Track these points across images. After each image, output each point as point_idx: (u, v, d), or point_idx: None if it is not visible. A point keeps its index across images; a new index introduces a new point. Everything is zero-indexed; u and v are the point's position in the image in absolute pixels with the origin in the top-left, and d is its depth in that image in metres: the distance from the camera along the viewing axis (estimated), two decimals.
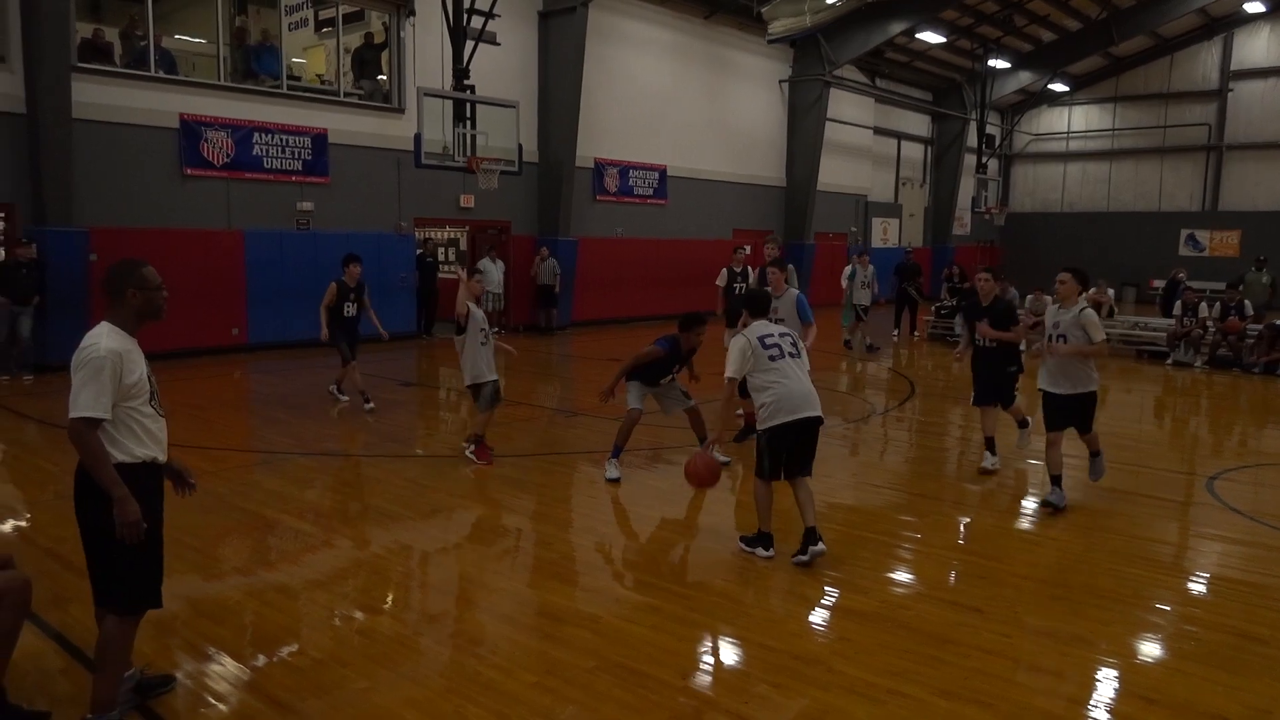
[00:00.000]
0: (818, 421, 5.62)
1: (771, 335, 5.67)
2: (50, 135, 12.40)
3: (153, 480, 3.60)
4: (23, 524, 6.18)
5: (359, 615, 4.90)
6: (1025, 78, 30.83)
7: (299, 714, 3.82)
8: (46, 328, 12.16)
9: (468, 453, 8.04)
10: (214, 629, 4.64)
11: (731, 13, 22.09)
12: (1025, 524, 6.94)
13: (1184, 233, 31.09)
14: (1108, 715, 3.94)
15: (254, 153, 14.77)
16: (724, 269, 12.12)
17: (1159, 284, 29.35)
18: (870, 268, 17.24)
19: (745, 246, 13.58)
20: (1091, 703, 4.03)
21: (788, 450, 5.57)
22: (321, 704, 3.90)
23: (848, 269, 18.19)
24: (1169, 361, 15.57)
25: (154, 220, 13.72)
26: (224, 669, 4.21)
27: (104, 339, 3.45)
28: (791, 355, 5.63)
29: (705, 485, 6.36)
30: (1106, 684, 4.21)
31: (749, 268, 12.16)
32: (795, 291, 8.60)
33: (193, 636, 4.53)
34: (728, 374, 5.67)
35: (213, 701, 3.93)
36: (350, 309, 10.37)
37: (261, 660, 4.33)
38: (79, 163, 12.79)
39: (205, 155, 14.23)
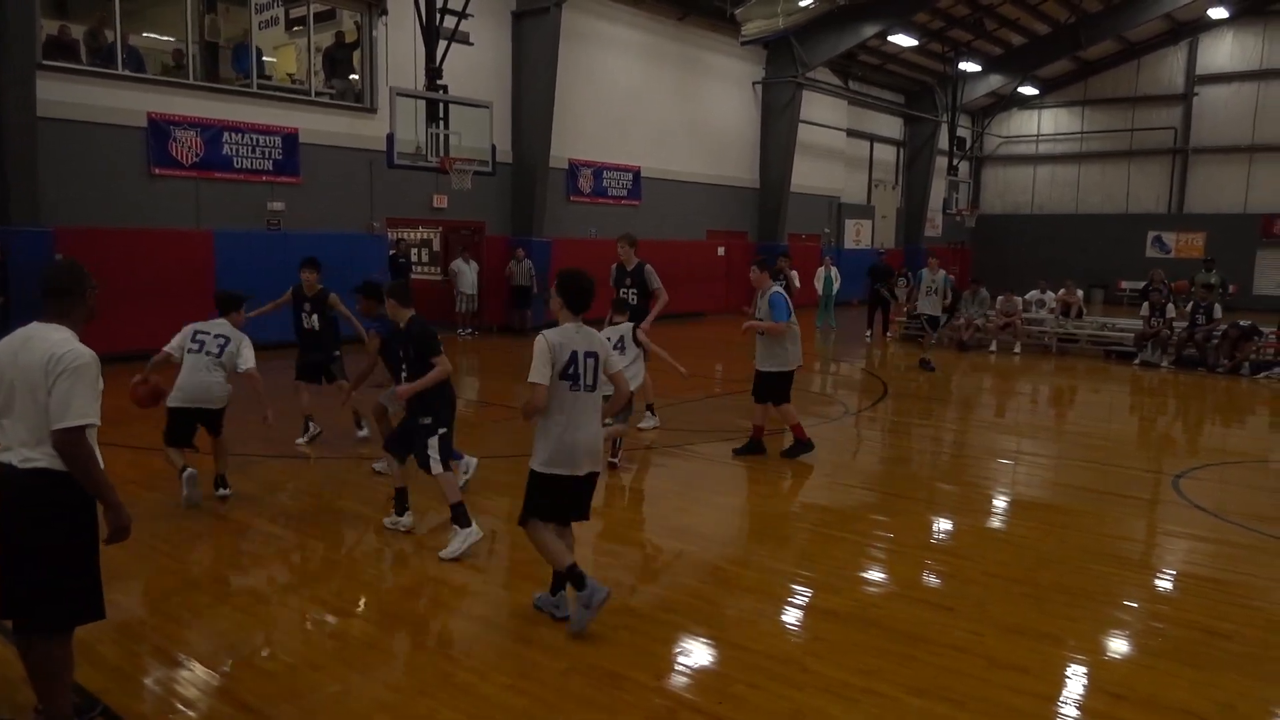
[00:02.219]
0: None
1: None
2: (14, 134, 12.18)
3: None
4: None
5: (331, 619, 4.86)
6: (995, 81, 31.16)
7: (270, 719, 3.78)
8: (10, 329, 11.90)
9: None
10: (183, 634, 4.59)
11: (705, 14, 22.15)
12: (996, 523, 7.02)
13: (1151, 234, 31.57)
14: (1077, 711, 3.99)
15: (224, 152, 14.61)
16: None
17: (1127, 285, 29.87)
18: (940, 272, 14.99)
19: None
20: (1061, 699, 4.08)
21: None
22: (293, 709, 3.86)
23: (820, 270, 18.38)
24: (1136, 362, 15.79)
25: (121, 220, 13.54)
26: (193, 674, 4.16)
27: (78, 343, 3.34)
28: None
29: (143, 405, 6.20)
30: (1075, 680, 4.26)
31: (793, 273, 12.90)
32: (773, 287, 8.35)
33: (162, 642, 4.47)
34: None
35: (181, 708, 3.88)
36: (308, 321, 9.07)
37: (231, 665, 4.28)
38: (44, 162, 12.58)
39: (174, 155, 14.06)
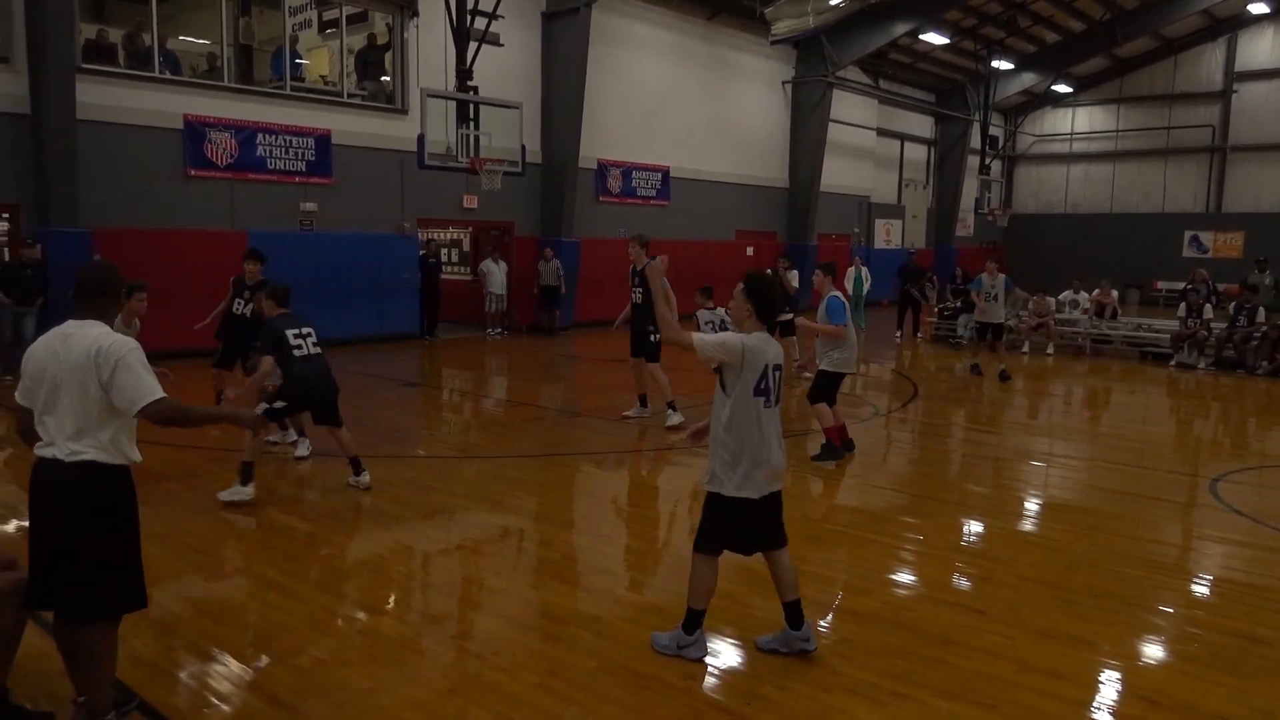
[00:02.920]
0: None
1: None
2: (54, 136, 12.42)
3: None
4: (26, 524, 6.18)
5: (361, 616, 4.91)
6: (1029, 79, 30.81)
7: (301, 714, 3.82)
8: (49, 328, 12.16)
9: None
10: (216, 629, 4.65)
11: (734, 14, 22.09)
12: (1028, 526, 6.94)
13: (1188, 234, 31.05)
14: (1111, 717, 3.94)
15: (258, 153, 14.79)
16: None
17: (1163, 285, 29.42)
18: (1000, 276, 13.79)
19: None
20: (1094, 705, 4.03)
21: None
22: (324, 704, 3.90)
23: (850, 270, 18.27)
24: (1173, 363, 15.55)
25: (158, 221, 13.75)
26: (226, 669, 4.22)
27: (116, 334, 3.46)
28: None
29: None
30: (1109, 686, 4.20)
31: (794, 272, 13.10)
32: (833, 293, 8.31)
33: (195, 637, 4.53)
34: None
35: (215, 702, 3.93)
36: (242, 308, 9.10)
37: (264, 660, 4.33)
38: (83, 163, 12.81)
39: (209, 156, 14.26)
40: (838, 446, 8.24)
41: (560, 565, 5.81)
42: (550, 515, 7.01)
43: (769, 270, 13.51)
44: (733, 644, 4.57)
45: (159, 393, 3.40)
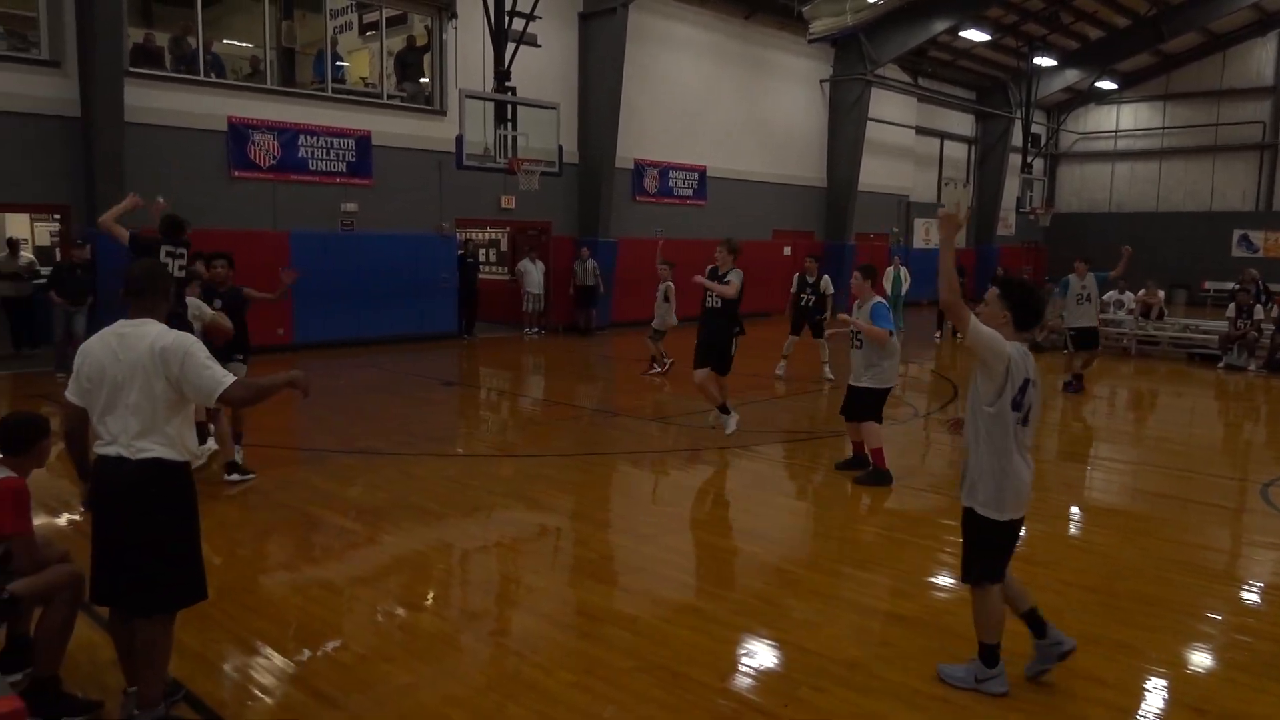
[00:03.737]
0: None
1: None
2: (103, 138, 12.70)
3: None
4: (78, 518, 6.33)
5: (401, 611, 4.96)
6: (1072, 76, 30.30)
7: (343, 708, 3.87)
8: (99, 327, 12.39)
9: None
10: (259, 623, 4.72)
11: (772, 12, 21.99)
12: (1072, 530, 6.83)
13: (1237, 233, 30.37)
14: None
15: (299, 155, 15.00)
16: (796, 275, 13.27)
17: (1211, 285, 28.80)
18: (1089, 276, 12.77)
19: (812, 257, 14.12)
20: (1140, 712, 3.95)
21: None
22: (365, 699, 3.95)
23: (889, 270, 18.11)
24: (1221, 365, 15.22)
25: (202, 221, 13.91)
26: (269, 662, 4.28)
27: (172, 330, 3.55)
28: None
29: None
30: (1155, 693, 4.13)
31: (825, 278, 13.12)
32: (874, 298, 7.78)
33: (239, 630, 4.61)
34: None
35: (259, 694, 4.00)
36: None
37: (306, 654, 4.39)
38: (130, 165, 13.07)
39: (252, 157, 14.48)
40: (884, 470, 7.58)
41: (597, 564, 5.83)
42: (587, 514, 7.03)
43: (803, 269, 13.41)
44: (770, 645, 4.55)
45: (230, 378, 3.52)
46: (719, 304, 8.66)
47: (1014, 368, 3.88)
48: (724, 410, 9.01)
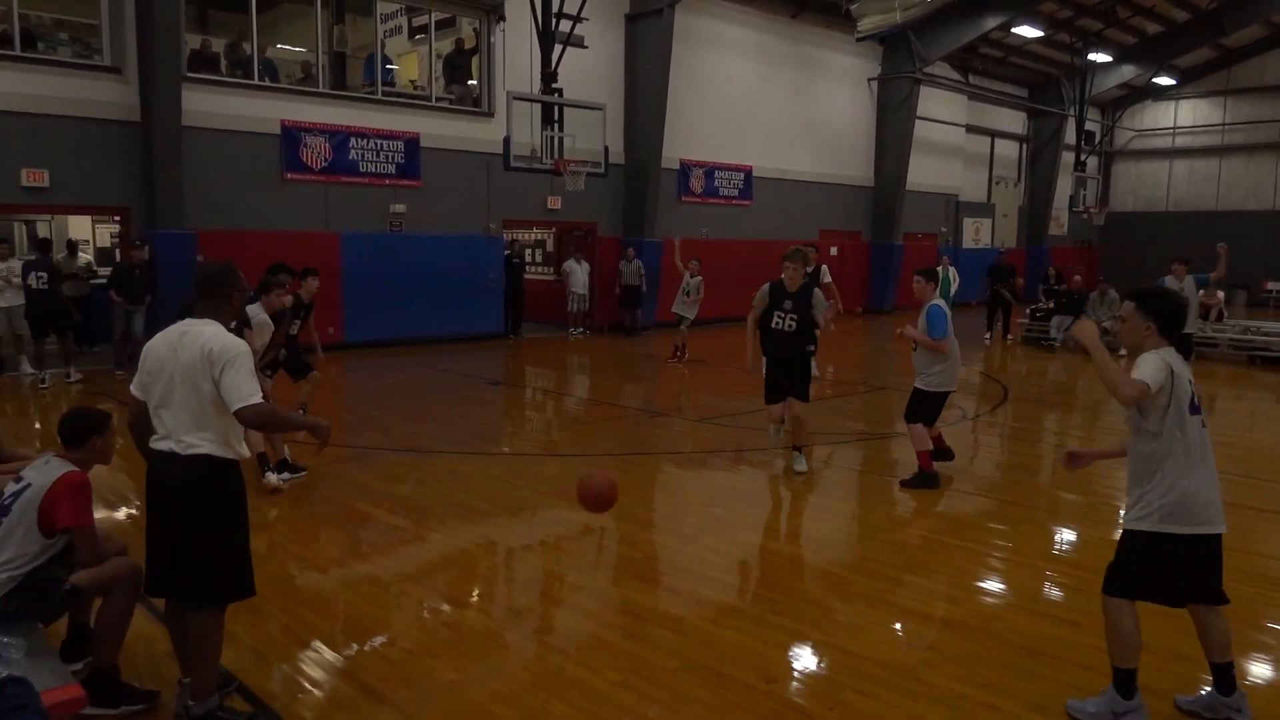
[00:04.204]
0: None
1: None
2: (162, 142, 13.03)
3: None
4: (135, 513, 6.50)
5: (447, 608, 5.01)
6: (1128, 71, 29.62)
7: (390, 703, 3.92)
8: (157, 326, 12.70)
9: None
10: (310, 616, 4.80)
11: (819, 11, 21.83)
12: None
13: None
14: None
15: (350, 157, 15.23)
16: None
17: (1273, 286, 27.97)
18: (1189, 277, 12.32)
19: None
20: None
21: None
22: (411, 694, 4.00)
23: (938, 270, 17.87)
24: None
25: (256, 223, 14.27)
26: (319, 656, 4.36)
27: (229, 336, 3.62)
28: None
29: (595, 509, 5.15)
30: None
31: (823, 267, 12.48)
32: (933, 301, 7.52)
33: (290, 623, 4.70)
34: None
35: (308, 687, 4.07)
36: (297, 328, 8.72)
37: (354, 649, 4.46)
38: (188, 168, 13.40)
39: (304, 160, 14.74)
40: (931, 473, 7.47)
41: (642, 564, 5.83)
42: (631, 514, 7.03)
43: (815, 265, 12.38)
44: (815, 648, 4.52)
45: (257, 397, 3.52)
46: (794, 326, 7.75)
47: (1178, 373, 3.69)
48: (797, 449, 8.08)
